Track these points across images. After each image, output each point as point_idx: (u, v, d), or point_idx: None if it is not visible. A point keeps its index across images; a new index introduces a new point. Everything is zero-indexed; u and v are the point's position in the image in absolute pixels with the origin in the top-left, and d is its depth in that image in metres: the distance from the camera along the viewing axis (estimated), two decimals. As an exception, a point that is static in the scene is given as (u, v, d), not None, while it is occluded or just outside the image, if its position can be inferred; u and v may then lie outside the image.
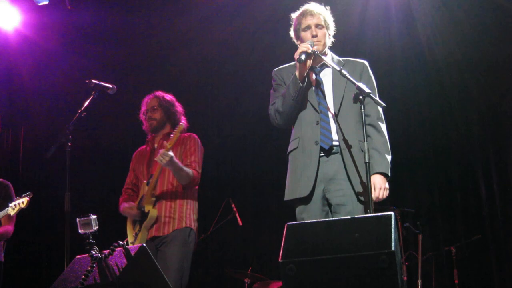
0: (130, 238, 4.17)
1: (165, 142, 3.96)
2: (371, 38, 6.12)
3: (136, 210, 4.09)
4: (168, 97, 4.34)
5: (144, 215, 4.05)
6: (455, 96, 6.17)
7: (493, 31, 5.79)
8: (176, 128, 3.92)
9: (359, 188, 3.22)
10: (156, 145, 4.28)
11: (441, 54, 6.08)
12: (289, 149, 3.42)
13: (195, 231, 4.14)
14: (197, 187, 4.23)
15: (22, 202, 4.48)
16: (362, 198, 3.22)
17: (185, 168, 4.00)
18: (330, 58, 3.47)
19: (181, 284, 3.95)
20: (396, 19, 6.11)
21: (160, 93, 4.36)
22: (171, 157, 3.83)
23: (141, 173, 4.24)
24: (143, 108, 4.36)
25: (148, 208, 4.04)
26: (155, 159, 3.90)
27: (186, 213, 4.08)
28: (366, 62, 3.50)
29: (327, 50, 3.49)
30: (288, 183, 3.38)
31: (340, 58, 3.51)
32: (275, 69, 3.57)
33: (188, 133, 4.29)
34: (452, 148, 6.18)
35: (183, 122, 3.99)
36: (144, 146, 4.42)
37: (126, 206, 4.16)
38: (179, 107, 4.35)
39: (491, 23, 5.76)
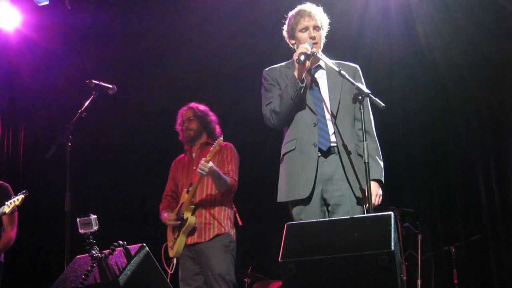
0: (169, 242, 4.39)
1: (203, 159, 4.08)
2: (371, 38, 6.12)
3: (174, 220, 4.28)
4: (202, 107, 4.55)
5: (183, 222, 4.23)
6: (455, 96, 6.17)
7: (493, 32, 5.79)
8: (216, 142, 4.05)
9: (357, 189, 3.23)
10: (194, 154, 4.47)
11: (441, 54, 6.08)
12: (285, 150, 3.40)
13: (234, 237, 4.33)
14: (233, 195, 4.44)
15: (17, 199, 4.51)
16: (360, 199, 3.23)
17: (223, 176, 4.20)
18: (324, 58, 3.45)
19: (230, 286, 4.12)
20: (396, 20, 6.11)
21: (194, 104, 4.56)
22: (211, 166, 4.02)
23: (180, 181, 4.43)
24: (179, 120, 4.54)
25: (187, 215, 4.23)
26: (197, 171, 4.03)
27: (224, 220, 4.27)
28: (358, 66, 3.52)
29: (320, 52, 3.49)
30: (284, 185, 3.36)
31: (333, 61, 3.48)
32: (266, 69, 3.56)
33: (225, 142, 4.44)
34: (452, 148, 6.18)
35: (220, 137, 4.12)
36: (182, 155, 4.60)
37: (166, 217, 4.35)
38: (213, 116, 4.56)
39: (491, 23, 5.76)
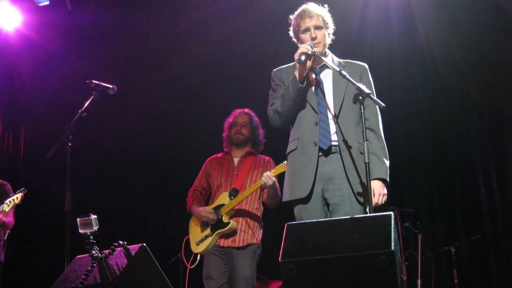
0: (195, 238, 4.47)
1: (267, 172, 4.25)
2: (371, 38, 6.12)
3: (215, 216, 4.37)
4: (257, 118, 4.67)
5: (220, 223, 4.35)
6: (455, 96, 6.17)
7: (493, 32, 5.79)
8: (282, 164, 4.17)
9: (358, 189, 3.23)
10: (236, 160, 4.59)
11: (441, 55, 6.08)
12: (288, 149, 3.43)
13: (261, 247, 4.49)
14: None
15: (16, 198, 4.52)
16: (360, 199, 3.22)
17: (279, 191, 4.30)
18: (330, 59, 3.47)
19: None
20: (396, 20, 6.11)
21: (251, 112, 4.69)
22: (274, 181, 4.21)
23: (216, 181, 4.52)
24: (231, 120, 4.67)
25: (226, 218, 4.34)
26: (262, 180, 4.18)
27: (257, 230, 4.45)
28: (366, 65, 3.50)
29: (327, 50, 3.49)
30: (287, 184, 3.39)
31: (341, 60, 3.50)
32: (274, 70, 3.57)
33: (268, 157, 4.63)
34: (452, 148, 6.18)
35: (285, 162, 4.17)
36: (220, 155, 4.70)
37: (203, 210, 4.44)
38: (261, 130, 4.69)
39: (491, 24, 5.76)
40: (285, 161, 4.01)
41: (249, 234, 4.37)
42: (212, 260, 4.37)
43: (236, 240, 4.34)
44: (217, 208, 4.40)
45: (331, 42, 3.50)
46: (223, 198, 4.42)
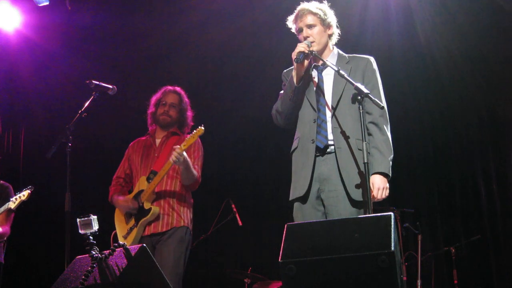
0: (121, 231, 4.14)
1: (177, 146, 3.88)
2: (371, 38, 6.12)
3: (135, 204, 4.05)
4: (187, 99, 4.35)
5: (142, 211, 4.02)
6: (455, 96, 6.17)
7: (492, 32, 5.80)
8: (196, 131, 3.86)
9: (353, 190, 3.16)
10: (158, 141, 4.26)
11: (440, 55, 6.08)
12: (291, 149, 3.43)
13: (191, 230, 4.15)
14: (192, 190, 4.24)
15: (23, 195, 4.51)
16: (355, 201, 3.16)
17: (193, 169, 4.02)
18: (334, 55, 3.42)
19: (178, 280, 3.94)
20: (396, 20, 6.11)
21: (182, 92, 4.36)
22: (185, 156, 3.85)
23: (137, 165, 4.23)
24: (160, 96, 4.32)
25: (147, 204, 4.02)
26: (171, 158, 3.84)
27: (184, 212, 4.09)
28: (370, 58, 3.42)
29: (331, 46, 3.44)
30: (291, 184, 3.38)
31: (346, 55, 3.45)
32: (284, 71, 3.55)
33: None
34: (452, 149, 6.18)
35: (201, 127, 3.88)
36: (143, 138, 4.39)
37: (123, 200, 4.13)
38: (190, 113, 4.36)
39: (490, 24, 5.76)
40: (198, 128, 3.82)
41: (173, 217, 4.01)
42: None
43: (159, 225, 3.98)
44: (138, 195, 4.07)
45: (338, 37, 3.45)
46: (142, 183, 4.09)
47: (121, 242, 2.74)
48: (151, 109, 4.35)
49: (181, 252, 3.99)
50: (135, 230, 4.03)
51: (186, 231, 4.06)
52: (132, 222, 4.08)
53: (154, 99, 4.36)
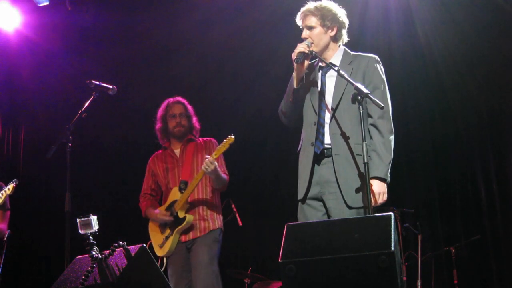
0: (157, 241, 4.33)
1: (208, 156, 4.09)
2: (371, 38, 6.11)
3: (169, 216, 4.25)
4: (190, 106, 4.50)
5: (177, 220, 4.21)
6: (455, 96, 6.17)
7: (492, 32, 5.79)
8: (226, 139, 4.03)
9: (350, 194, 3.15)
10: (177, 151, 4.42)
11: (440, 54, 6.08)
12: (298, 149, 3.45)
13: (222, 230, 4.36)
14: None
15: (8, 189, 4.55)
16: (352, 204, 3.14)
17: (222, 173, 4.22)
18: (339, 55, 3.37)
19: (216, 277, 4.14)
20: (396, 20, 6.11)
21: (184, 100, 4.51)
22: (216, 166, 4.05)
23: (164, 179, 4.39)
24: (167, 112, 4.44)
25: (182, 213, 4.21)
26: (202, 168, 4.03)
27: (216, 215, 4.32)
28: (372, 56, 3.36)
29: (336, 46, 3.39)
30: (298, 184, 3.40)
31: (352, 53, 3.39)
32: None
33: (208, 138, 4.46)
34: (452, 148, 6.17)
35: (231, 136, 4.04)
36: (160, 151, 4.53)
37: (158, 213, 4.31)
38: (195, 117, 4.53)
39: (490, 23, 5.76)
40: (228, 137, 4.01)
41: (208, 221, 4.24)
42: (176, 259, 4.24)
43: (197, 231, 4.22)
44: (171, 206, 4.27)
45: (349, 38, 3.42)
46: (174, 194, 4.29)
47: (120, 242, 2.74)
48: (158, 125, 4.48)
49: (215, 251, 4.21)
50: (170, 239, 4.23)
51: (220, 232, 4.30)
52: (168, 231, 4.27)
53: (159, 115, 4.49)
